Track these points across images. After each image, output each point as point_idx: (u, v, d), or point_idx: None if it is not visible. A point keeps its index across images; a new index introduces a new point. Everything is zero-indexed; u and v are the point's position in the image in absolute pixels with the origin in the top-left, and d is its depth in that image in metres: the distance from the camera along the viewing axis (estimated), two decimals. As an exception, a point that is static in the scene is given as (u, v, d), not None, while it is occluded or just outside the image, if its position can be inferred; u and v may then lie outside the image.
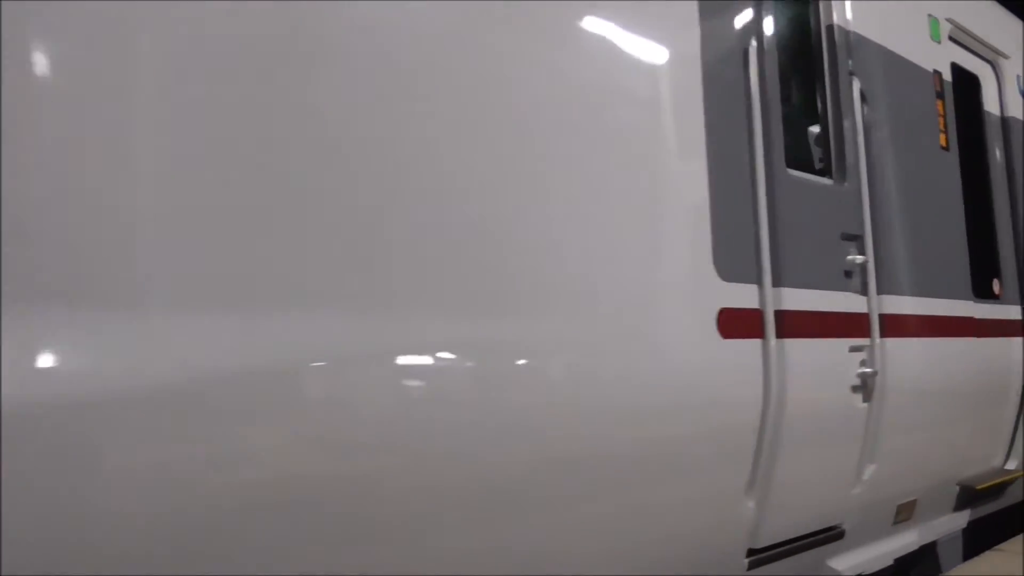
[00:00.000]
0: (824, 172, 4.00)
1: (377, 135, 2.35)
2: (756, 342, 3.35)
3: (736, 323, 3.24)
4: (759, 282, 3.41)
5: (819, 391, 3.62)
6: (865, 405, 3.92)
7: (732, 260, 3.28)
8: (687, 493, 3.12)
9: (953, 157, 4.91)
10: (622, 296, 2.86)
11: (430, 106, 2.48)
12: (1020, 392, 5.46)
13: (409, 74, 2.44)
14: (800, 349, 3.50)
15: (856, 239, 4.00)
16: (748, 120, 3.50)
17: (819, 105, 4.07)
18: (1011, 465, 5.50)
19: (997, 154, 5.57)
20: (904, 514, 4.50)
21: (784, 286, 3.48)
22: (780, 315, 3.45)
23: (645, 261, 2.95)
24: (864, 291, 4.00)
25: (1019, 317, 5.49)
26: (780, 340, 3.43)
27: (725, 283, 3.22)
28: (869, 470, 4.05)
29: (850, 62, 4.15)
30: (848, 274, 3.92)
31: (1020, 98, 5.86)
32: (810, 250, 3.68)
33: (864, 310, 3.97)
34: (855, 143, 4.09)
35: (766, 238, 3.45)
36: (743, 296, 3.31)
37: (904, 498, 4.43)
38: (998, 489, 5.25)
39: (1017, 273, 5.54)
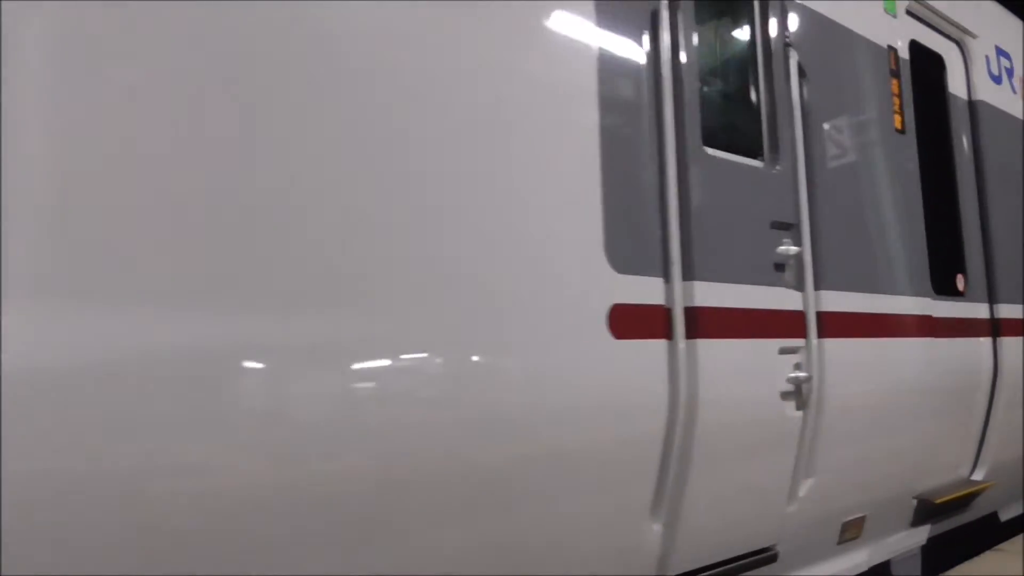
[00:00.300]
0: (755, 153, 3.59)
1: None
2: (661, 343, 2.94)
3: (634, 321, 2.83)
4: (666, 275, 3.00)
5: (740, 398, 3.20)
6: (799, 413, 3.51)
7: (630, 249, 2.87)
8: (572, 517, 2.71)
9: (910, 141, 4.50)
10: (482, 290, 2.45)
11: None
12: (988, 397, 5.05)
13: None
14: (716, 351, 3.09)
15: (790, 228, 3.58)
16: (656, 91, 3.09)
17: (750, 79, 3.66)
18: (979, 475, 5.09)
19: (964, 141, 5.16)
20: (852, 532, 4.09)
21: (698, 280, 3.07)
22: (692, 312, 3.04)
23: (513, 249, 2.53)
24: (799, 286, 3.59)
25: (987, 316, 5.08)
26: (692, 341, 3.02)
27: (619, 275, 2.81)
28: (806, 485, 3.64)
29: (787, 32, 3.74)
30: (780, 267, 3.51)
31: (990, 81, 5.45)
32: (732, 240, 3.26)
33: (799, 307, 3.56)
34: (790, 122, 3.68)
35: (675, 225, 3.04)
36: (644, 291, 2.90)
37: (851, 515, 4.02)
38: (963, 502, 4.84)
39: (984, 268, 5.12)
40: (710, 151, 3.26)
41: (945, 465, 4.78)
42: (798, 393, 3.50)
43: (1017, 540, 4.93)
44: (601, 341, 2.71)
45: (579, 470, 2.68)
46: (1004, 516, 5.64)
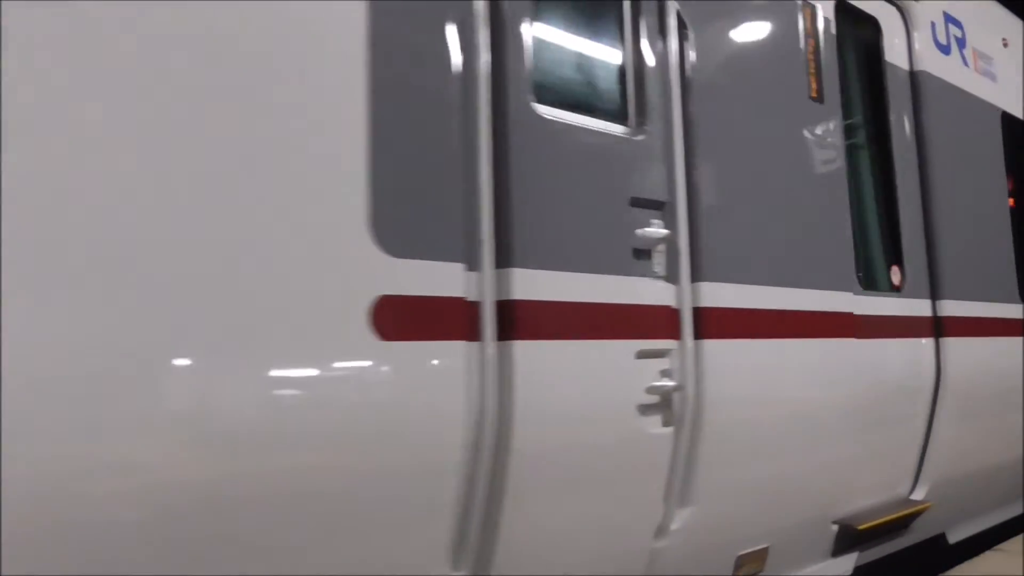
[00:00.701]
0: (619, 117, 2.99)
1: None
2: (459, 346, 2.34)
3: (413, 318, 2.22)
4: (470, 260, 2.40)
5: (573, 414, 2.59)
6: (667, 431, 2.91)
7: (413, 227, 2.27)
8: (327, 569, 2.10)
9: (830, 110, 3.89)
10: (171, 276, 1.85)
11: None
12: (930, 406, 4.44)
13: None
14: (540, 355, 2.49)
15: (661, 207, 2.98)
16: (464, 30, 2.49)
17: (615, 29, 3.05)
18: (919, 495, 4.48)
19: (903, 115, 4.55)
20: (751, 566, 3.49)
21: (517, 267, 2.47)
22: (509, 307, 2.45)
23: (223, 223, 1.93)
24: (671, 277, 2.99)
25: (928, 313, 4.47)
26: (506, 343, 2.43)
27: (393, 259, 2.20)
28: (681, 516, 3.03)
29: None
30: (644, 254, 2.90)
31: (935, 50, 4.84)
32: (571, 219, 2.66)
33: (669, 302, 2.96)
34: (664, 81, 3.07)
35: (487, 199, 2.44)
36: (433, 280, 2.29)
37: (748, 547, 3.41)
38: (897, 525, 4.23)
39: (927, 260, 4.51)
40: (543, 111, 2.65)
41: (875, 485, 4.18)
42: (666, 406, 2.90)
43: (1017, 540, 4.70)
44: (358, 344, 2.10)
45: (332, 511, 2.07)
46: (953, 538, 5.04)
